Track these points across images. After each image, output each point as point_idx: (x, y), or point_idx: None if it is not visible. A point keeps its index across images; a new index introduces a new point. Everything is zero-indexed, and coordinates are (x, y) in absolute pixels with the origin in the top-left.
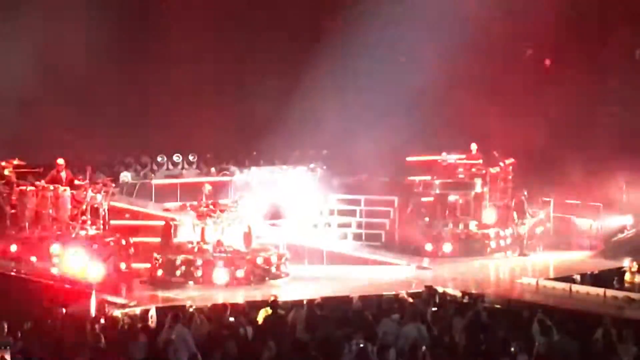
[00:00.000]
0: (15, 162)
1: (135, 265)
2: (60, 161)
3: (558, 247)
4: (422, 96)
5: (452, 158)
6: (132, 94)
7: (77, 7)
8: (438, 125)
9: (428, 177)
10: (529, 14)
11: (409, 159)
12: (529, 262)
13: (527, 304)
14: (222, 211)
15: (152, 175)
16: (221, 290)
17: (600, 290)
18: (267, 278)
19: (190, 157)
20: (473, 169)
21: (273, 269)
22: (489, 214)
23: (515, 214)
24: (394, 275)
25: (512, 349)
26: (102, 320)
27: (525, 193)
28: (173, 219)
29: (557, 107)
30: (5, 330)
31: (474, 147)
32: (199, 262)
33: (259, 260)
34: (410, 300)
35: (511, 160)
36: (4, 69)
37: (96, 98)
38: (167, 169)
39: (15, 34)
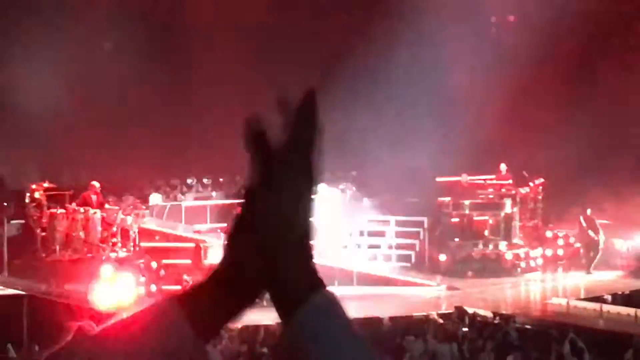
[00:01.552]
0: (46, 184)
1: (165, 287)
2: (96, 183)
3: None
4: (452, 116)
5: (472, 179)
6: (165, 116)
7: (112, 28)
8: (468, 146)
9: (456, 197)
10: (557, 33)
11: (438, 179)
12: (561, 282)
13: (557, 325)
14: None
15: (182, 197)
16: (251, 311)
17: (631, 311)
18: None
19: (220, 179)
20: (503, 190)
21: None
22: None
23: (591, 232)
24: (424, 296)
25: None
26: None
27: (589, 210)
28: (203, 241)
29: (588, 126)
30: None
31: (503, 167)
32: None
33: None
34: (441, 321)
35: (541, 180)
36: (38, 90)
37: (129, 120)
38: (197, 191)
39: (50, 55)
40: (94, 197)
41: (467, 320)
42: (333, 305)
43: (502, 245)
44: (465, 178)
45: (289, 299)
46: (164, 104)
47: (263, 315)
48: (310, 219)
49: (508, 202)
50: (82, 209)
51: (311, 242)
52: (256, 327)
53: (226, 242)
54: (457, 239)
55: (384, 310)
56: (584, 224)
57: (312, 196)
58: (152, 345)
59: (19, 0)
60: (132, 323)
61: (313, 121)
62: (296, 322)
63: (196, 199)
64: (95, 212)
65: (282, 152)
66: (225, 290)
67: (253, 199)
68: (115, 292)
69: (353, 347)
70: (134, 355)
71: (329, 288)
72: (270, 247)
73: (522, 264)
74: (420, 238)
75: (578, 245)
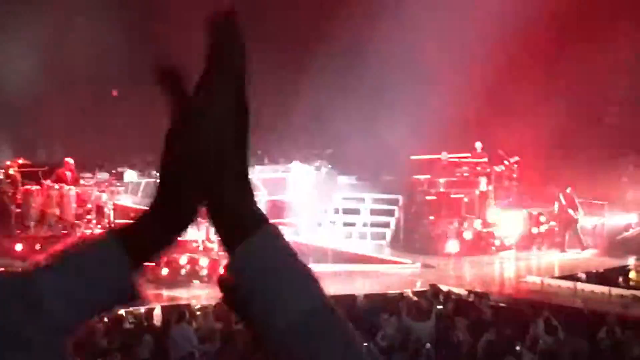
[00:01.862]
0: (21, 161)
1: None
2: (70, 160)
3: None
4: (427, 94)
5: (451, 157)
6: (140, 95)
7: (86, 7)
8: (443, 124)
9: (436, 176)
10: (532, 13)
11: (413, 157)
12: (536, 260)
13: (532, 303)
14: None
15: (157, 174)
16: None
17: (605, 289)
18: None
19: None
20: (478, 168)
21: None
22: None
23: (570, 210)
24: (399, 274)
25: (517, 348)
26: (107, 319)
27: (569, 189)
28: None
29: (562, 105)
30: None
31: (478, 145)
32: (204, 261)
33: None
34: (415, 298)
35: (516, 158)
36: (12, 68)
37: (104, 97)
38: None
39: (24, 33)
40: (68, 174)
41: (441, 298)
42: (277, 239)
43: (477, 223)
44: (445, 156)
45: (232, 235)
46: (142, 81)
47: None
48: (246, 152)
49: (483, 180)
50: (56, 186)
51: (249, 176)
52: None
53: (159, 174)
54: (432, 217)
55: (359, 288)
56: (564, 202)
57: (245, 126)
58: (89, 273)
59: None
60: (73, 251)
61: (234, 41)
62: (239, 259)
63: None
64: (70, 189)
65: (201, 82)
66: (159, 221)
67: (177, 136)
68: None
69: (299, 280)
70: (71, 281)
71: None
72: (206, 184)
73: (497, 242)
74: (395, 216)
75: (553, 223)
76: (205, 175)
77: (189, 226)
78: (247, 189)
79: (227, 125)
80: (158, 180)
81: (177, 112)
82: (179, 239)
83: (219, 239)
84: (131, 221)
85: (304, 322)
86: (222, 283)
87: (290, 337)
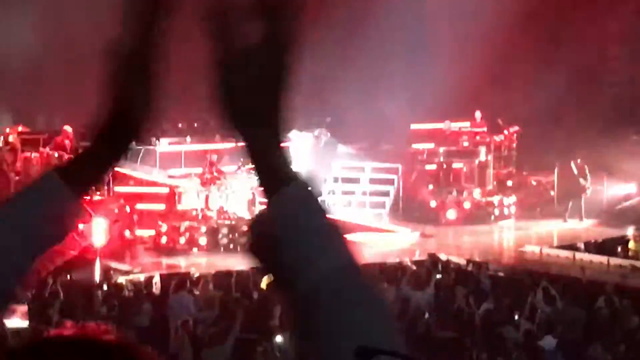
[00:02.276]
0: (20, 128)
1: (139, 232)
2: (68, 128)
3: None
4: (427, 63)
5: (455, 126)
6: None
7: None
8: (442, 93)
9: (432, 145)
10: None
11: (413, 126)
12: (535, 230)
13: (530, 272)
14: (226, 178)
15: (157, 141)
16: (225, 257)
17: (603, 259)
18: None
19: (195, 124)
20: (477, 137)
21: None
22: None
23: (582, 180)
24: (398, 243)
25: (516, 317)
26: (106, 287)
27: (579, 160)
28: (177, 186)
29: (562, 75)
30: None
31: (478, 115)
32: (203, 229)
33: None
34: (414, 267)
35: (516, 128)
36: (13, 34)
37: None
38: (172, 135)
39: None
40: (67, 142)
41: (440, 267)
42: (309, 194)
43: (476, 192)
44: (448, 125)
45: (270, 183)
46: None
47: (236, 261)
48: (283, 114)
49: (482, 149)
50: (56, 154)
51: (284, 133)
52: (229, 273)
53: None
54: (431, 187)
55: (357, 257)
56: (575, 171)
57: (284, 95)
58: (32, 210)
59: None
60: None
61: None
62: (274, 206)
63: (170, 144)
64: (69, 157)
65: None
66: (100, 145)
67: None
68: (89, 236)
69: (328, 236)
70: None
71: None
72: (247, 136)
73: (496, 212)
74: (395, 185)
75: (552, 193)
76: (243, 120)
77: (125, 153)
78: (281, 145)
79: (272, 87)
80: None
81: (223, 52)
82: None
83: (259, 184)
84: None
85: (330, 279)
86: (254, 228)
87: (315, 294)
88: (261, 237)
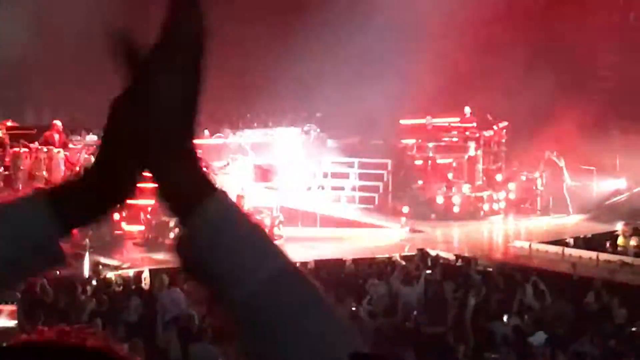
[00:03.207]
0: (9, 123)
1: (128, 227)
2: (58, 123)
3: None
4: (417, 58)
5: (436, 122)
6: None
7: None
8: (432, 88)
9: (420, 141)
10: None
11: (402, 121)
12: (524, 225)
13: (520, 267)
14: (215, 173)
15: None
16: None
17: (592, 254)
18: None
19: None
20: (467, 132)
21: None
22: None
23: (567, 174)
24: (387, 238)
25: (505, 312)
26: (95, 282)
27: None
28: None
29: (551, 70)
30: None
31: (467, 110)
32: None
33: None
34: (403, 263)
35: (505, 123)
36: (0, 28)
37: (94, 59)
38: None
39: None
40: (56, 136)
41: (429, 262)
42: (227, 206)
43: (466, 188)
44: (429, 120)
45: (181, 206)
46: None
47: None
48: (193, 125)
49: (472, 145)
50: (45, 148)
51: (194, 146)
52: None
53: (101, 139)
54: (420, 182)
55: (347, 253)
56: (561, 164)
57: (194, 98)
58: (14, 231)
59: None
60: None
61: (191, 14)
62: (191, 228)
63: None
64: (58, 152)
65: (154, 53)
66: (96, 190)
67: (124, 105)
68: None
69: (255, 246)
70: None
71: (292, 230)
72: (149, 157)
73: (485, 207)
74: (384, 180)
75: (542, 188)
76: (149, 149)
77: (126, 199)
78: (192, 159)
79: (175, 97)
80: (99, 147)
81: (128, 80)
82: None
83: (170, 212)
84: (66, 183)
85: (264, 291)
86: (180, 251)
87: (255, 301)
88: (189, 259)
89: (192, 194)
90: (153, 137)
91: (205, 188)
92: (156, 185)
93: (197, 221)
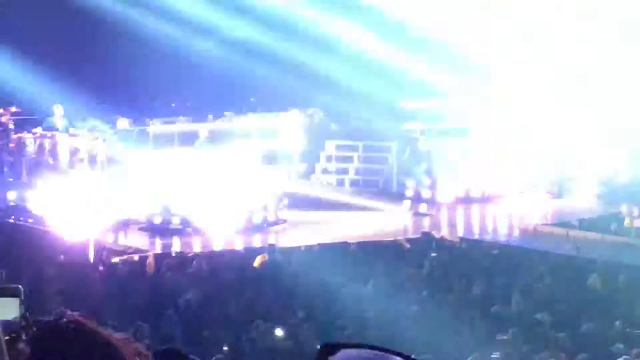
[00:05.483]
0: (13, 109)
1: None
2: (60, 108)
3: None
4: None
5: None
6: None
7: None
8: (433, 69)
9: (424, 124)
10: None
11: (405, 104)
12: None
13: (524, 249)
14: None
15: (150, 121)
16: (220, 236)
17: (597, 236)
18: (264, 224)
19: (187, 104)
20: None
21: (271, 215)
22: None
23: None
24: (392, 221)
25: (510, 294)
26: (101, 268)
27: None
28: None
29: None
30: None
31: None
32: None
33: (257, 207)
34: (408, 246)
35: None
36: (2, 13)
37: (100, 42)
38: (165, 115)
39: None
40: (59, 122)
41: (434, 245)
42: None
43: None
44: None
45: None
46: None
47: (229, 241)
48: None
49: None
50: (49, 134)
51: None
52: (222, 253)
53: None
54: (423, 164)
55: (351, 236)
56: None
57: None
58: None
59: None
60: None
61: None
62: None
63: (164, 123)
64: (62, 137)
65: None
66: None
67: None
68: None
69: None
70: None
71: (297, 213)
72: None
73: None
74: (388, 163)
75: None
76: None
77: None
78: None
79: None
80: None
81: None
82: None
83: None
84: None
85: None
86: None
87: None
88: None
89: None
90: None
91: None
92: None
93: None
